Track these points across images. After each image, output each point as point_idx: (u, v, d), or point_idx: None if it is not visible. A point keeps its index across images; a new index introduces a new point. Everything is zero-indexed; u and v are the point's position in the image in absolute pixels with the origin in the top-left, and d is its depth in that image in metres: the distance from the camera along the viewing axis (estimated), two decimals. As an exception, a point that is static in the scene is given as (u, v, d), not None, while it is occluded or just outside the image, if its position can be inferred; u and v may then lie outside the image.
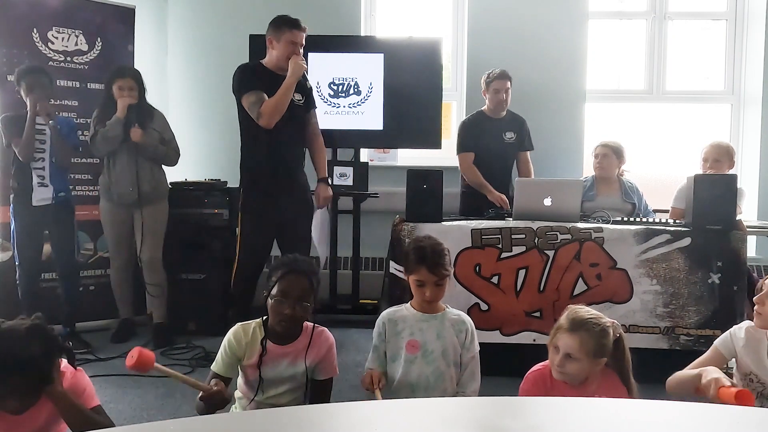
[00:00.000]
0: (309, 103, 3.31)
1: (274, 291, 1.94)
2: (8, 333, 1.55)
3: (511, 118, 3.97)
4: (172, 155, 3.62)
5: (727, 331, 2.06)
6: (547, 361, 1.95)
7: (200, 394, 1.80)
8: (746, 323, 2.04)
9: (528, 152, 4.04)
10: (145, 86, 3.56)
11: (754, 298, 2.00)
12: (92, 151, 3.54)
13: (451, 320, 2.19)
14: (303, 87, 3.26)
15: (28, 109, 3.29)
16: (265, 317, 2.01)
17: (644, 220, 3.18)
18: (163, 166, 3.65)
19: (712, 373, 1.81)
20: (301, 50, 3.16)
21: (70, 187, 3.57)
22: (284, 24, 3.13)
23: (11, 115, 3.40)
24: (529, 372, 2.00)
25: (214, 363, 1.99)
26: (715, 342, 2.07)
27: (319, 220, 3.63)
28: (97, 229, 3.73)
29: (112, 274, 3.66)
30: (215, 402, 1.79)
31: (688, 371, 1.96)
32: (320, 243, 3.81)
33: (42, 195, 3.38)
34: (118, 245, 3.61)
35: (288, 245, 3.13)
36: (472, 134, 3.91)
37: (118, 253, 3.62)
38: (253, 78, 3.14)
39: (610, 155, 3.73)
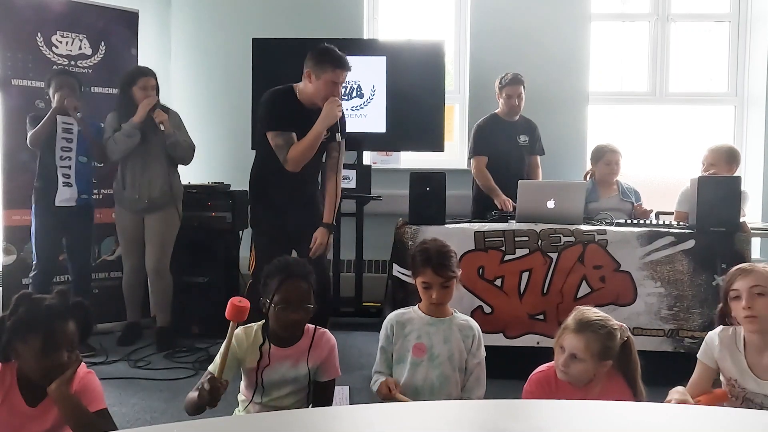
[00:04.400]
0: (333, 135, 2.95)
1: (276, 299, 1.92)
2: (63, 293, 1.73)
3: (524, 122, 3.99)
4: (189, 149, 3.57)
5: (704, 341, 2.02)
6: (552, 362, 1.95)
7: (204, 387, 1.79)
8: (719, 328, 1.99)
9: (538, 157, 4.05)
10: (159, 87, 3.57)
11: (743, 306, 1.87)
12: (107, 153, 3.48)
13: (458, 325, 2.18)
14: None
15: (53, 103, 3.30)
16: (264, 321, 2.01)
17: (648, 222, 3.18)
18: (177, 170, 3.65)
19: (674, 394, 1.83)
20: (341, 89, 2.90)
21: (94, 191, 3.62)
22: (328, 62, 2.80)
23: (38, 115, 3.41)
24: (533, 373, 1.99)
25: (212, 363, 1.99)
26: (697, 355, 2.03)
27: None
28: (102, 233, 3.75)
29: (124, 277, 3.66)
30: (214, 397, 1.78)
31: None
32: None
33: (65, 195, 3.41)
34: (129, 250, 3.60)
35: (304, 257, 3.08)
36: (485, 137, 3.91)
37: (129, 258, 3.61)
38: (283, 113, 2.89)
39: (620, 161, 3.73)
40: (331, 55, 2.81)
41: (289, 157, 2.84)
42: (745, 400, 1.92)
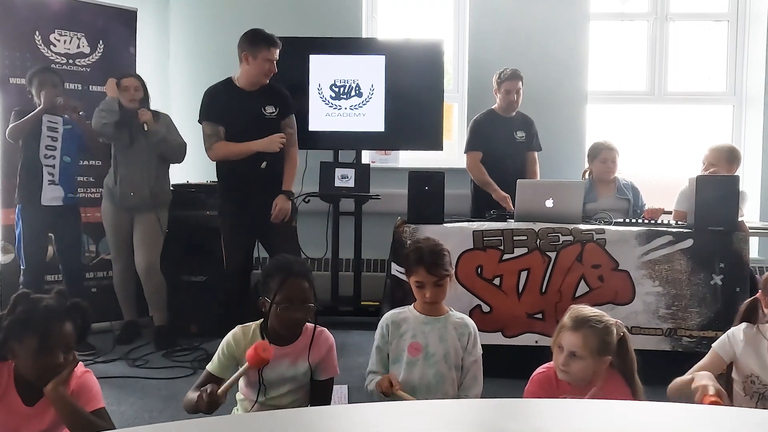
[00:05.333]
0: (283, 112, 3.29)
1: (277, 298, 1.92)
2: (61, 293, 1.75)
3: (521, 118, 3.99)
4: (178, 148, 3.58)
5: (725, 334, 2.02)
6: (552, 362, 1.95)
7: (203, 394, 1.78)
8: (743, 325, 2.00)
9: (535, 153, 4.05)
10: (148, 93, 3.58)
11: None
12: (98, 133, 3.47)
13: (453, 323, 2.18)
14: (277, 97, 3.29)
15: (42, 103, 3.30)
16: (262, 321, 2.01)
17: (646, 221, 3.18)
18: (168, 174, 3.66)
19: (702, 379, 1.78)
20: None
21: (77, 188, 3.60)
22: (262, 42, 3.14)
23: (24, 109, 3.40)
24: (534, 373, 1.99)
25: (210, 363, 1.99)
26: (713, 345, 2.03)
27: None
28: (100, 232, 3.73)
29: (115, 276, 3.66)
30: (212, 408, 1.78)
31: (685, 377, 1.92)
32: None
33: (52, 194, 3.39)
34: (118, 248, 3.61)
35: (273, 247, 3.21)
36: (482, 133, 3.91)
37: (119, 256, 3.62)
38: (216, 105, 3.20)
39: (617, 158, 3.73)
40: (263, 35, 3.16)
41: (215, 147, 3.20)
42: (761, 399, 1.92)
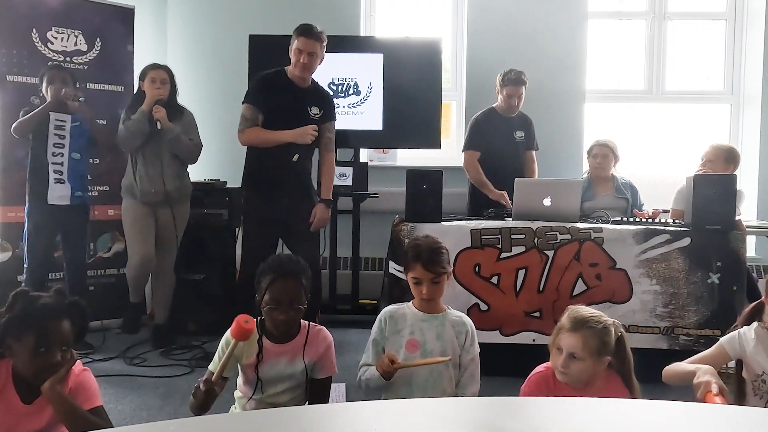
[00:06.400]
0: (326, 116, 3.24)
1: (266, 298, 1.93)
2: (60, 291, 1.74)
3: (521, 117, 3.98)
4: (191, 148, 3.51)
5: (736, 331, 2.00)
6: (549, 362, 1.95)
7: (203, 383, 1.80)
8: (754, 324, 1.99)
9: (534, 152, 4.05)
10: (176, 86, 3.53)
11: None
12: (120, 143, 3.44)
13: (451, 321, 2.19)
14: (325, 101, 3.26)
15: (49, 98, 3.28)
16: (261, 317, 2.01)
17: (645, 219, 3.18)
18: (186, 168, 3.63)
19: (705, 374, 1.77)
20: (317, 60, 3.14)
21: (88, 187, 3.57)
22: (296, 31, 3.09)
23: (33, 109, 3.36)
24: (531, 374, 1.98)
25: (212, 362, 1.99)
26: (721, 339, 2.02)
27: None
28: (96, 230, 3.72)
29: (132, 266, 3.51)
30: (209, 397, 1.80)
31: (687, 365, 1.91)
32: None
33: (59, 193, 3.35)
34: (139, 239, 3.46)
35: (294, 245, 3.17)
36: (481, 132, 3.90)
37: (140, 246, 3.46)
38: (263, 90, 3.14)
39: (609, 155, 3.74)
40: (301, 26, 3.10)
41: (247, 132, 3.12)
42: None
